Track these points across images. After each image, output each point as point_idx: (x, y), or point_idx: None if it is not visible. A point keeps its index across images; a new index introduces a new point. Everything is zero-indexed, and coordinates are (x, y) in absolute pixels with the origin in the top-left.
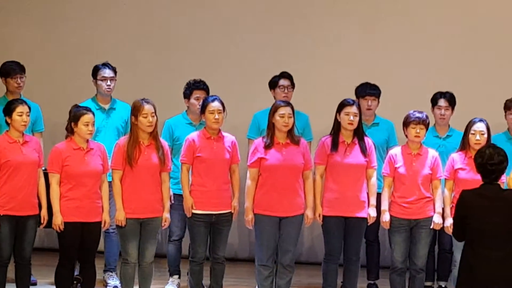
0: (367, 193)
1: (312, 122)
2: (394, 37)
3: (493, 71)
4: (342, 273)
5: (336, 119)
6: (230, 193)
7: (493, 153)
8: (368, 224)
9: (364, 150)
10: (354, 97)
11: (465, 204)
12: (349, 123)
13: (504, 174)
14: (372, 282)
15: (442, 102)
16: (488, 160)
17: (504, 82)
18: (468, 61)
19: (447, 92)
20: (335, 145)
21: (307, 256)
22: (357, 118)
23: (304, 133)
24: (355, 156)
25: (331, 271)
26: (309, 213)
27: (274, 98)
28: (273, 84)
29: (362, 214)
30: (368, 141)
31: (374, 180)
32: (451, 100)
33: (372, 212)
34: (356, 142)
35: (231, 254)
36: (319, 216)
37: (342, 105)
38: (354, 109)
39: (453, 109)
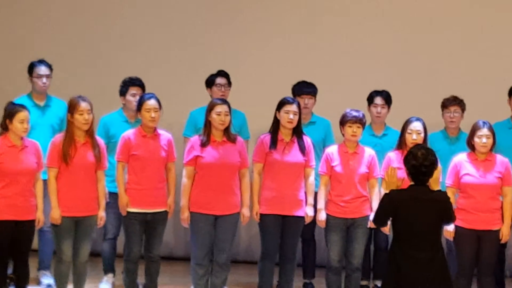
0: (305, 192)
1: (250, 120)
2: (330, 35)
3: (429, 70)
4: (278, 272)
5: (275, 117)
6: (165, 192)
7: (426, 155)
8: (306, 223)
9: (302, 149)
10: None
11: (393, 204)
12: (288, 122)
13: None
14: (308, 281)
15: (378, 100)
16: (423, 162)
17: (440, 81)
18: (405, 60)
19: (383, 91)
20: (274, 143)
21: (244, 255)
22: (297, 117)
23: (241, 131)
24: (294, 155)
25: (267, 270)
26: (245, 211)
27: (211, 96)
28: (210, 82)
29: (299, 213)
30: (307, 139)
31: (312, 179)
32: (387, 98)
33: (310, 211)
34: (295, 140)
35: (166, 253)
36: (256, 214)
37: (282, 104)
38: (294, 107)
39: (389, 107)
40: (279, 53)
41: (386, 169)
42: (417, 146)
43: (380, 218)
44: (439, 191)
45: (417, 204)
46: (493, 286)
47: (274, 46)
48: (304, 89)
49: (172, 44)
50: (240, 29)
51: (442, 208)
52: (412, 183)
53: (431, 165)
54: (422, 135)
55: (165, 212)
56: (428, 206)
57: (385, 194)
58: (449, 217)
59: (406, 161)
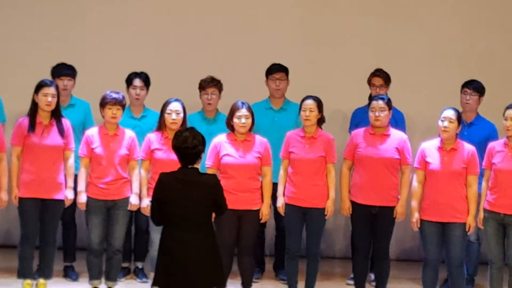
0: (65, 175)
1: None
2: (89, 20)
3: (187, 52)
4: (39, 255)
5: (33, 100)
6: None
7: (188, 137)
8: (65, 206)
9: (62, 132)
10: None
11: (163, 188)
12: (47, 104)
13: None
14: (68, 264)
15: (137, 82)
16: (183, 144)
17: (196, 63)
18: (161, 44)
19: (141, 73)
20: (32, 126)
21: (3, 239)
22: (55, 99)
23: None
24: (53, 138)
25: (28, 254)
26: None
27: None
28: None
29: (59, 196)
30: (66, 122)
31: (71, 161)
32: (146, 80)
33: (70, 194)
34: (54, 123)
35: None
36: (15, 198)
37: (40, 86)
38: (52, 90)
39: (147, 90)
40: (37, 36)
41: (147, 150)
42: (185, 128)
43: (154, 208)
44: (209, 174)
45: (184, 186)
46: (253, 266)
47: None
48: (63, 71)
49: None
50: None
51: (211, 192)
52: (181, 165)
53: (192, 147)
54: (181, 115)
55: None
56: (195, 188)
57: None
58: (219, 202)
59: (172, 143)
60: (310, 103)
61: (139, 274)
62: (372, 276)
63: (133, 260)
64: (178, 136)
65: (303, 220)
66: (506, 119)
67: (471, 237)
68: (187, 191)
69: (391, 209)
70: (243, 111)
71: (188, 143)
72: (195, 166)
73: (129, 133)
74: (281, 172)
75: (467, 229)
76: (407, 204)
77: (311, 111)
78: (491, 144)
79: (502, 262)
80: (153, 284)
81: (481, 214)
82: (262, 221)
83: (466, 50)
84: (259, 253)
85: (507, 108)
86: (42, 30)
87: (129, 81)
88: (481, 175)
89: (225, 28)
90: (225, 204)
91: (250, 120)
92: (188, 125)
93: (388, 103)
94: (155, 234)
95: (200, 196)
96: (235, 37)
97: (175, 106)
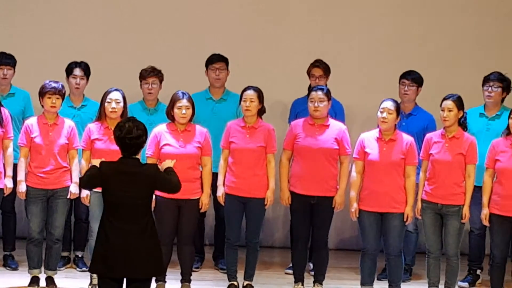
0: (3, 164)
1: None
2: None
3: (132, 43)
4: None
5: None
6: None
7: (132, 127)
8: (5, 195)
9: (0, 121)
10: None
11: (103, 178)
12: None
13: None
14: (8, 253)
15: (77, 72)
16: (127, 134)
17: (139, 54)
18: (109, 32)
19: (81, 62)
20: None
21: None
22: None
23: None
24: None
25: None
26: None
27: None
28: None
29: None
30: (5, 111)
31: (10, 150)
32: (86, 69)
33: (9, 183)
34: None
35: None
36: None
37: None
38: None
39: (87, 79)
40: None
41: (87, 140)
42: (127, 118)
43: (86, 188)
44: (150, 164)
45: (125, 176)
46: (193, 255)
47: None
48: (3, 59)
49: None
50: None
51: (150, 182)
52: (122, 155)
53: (137, 137)
54: (121, 104)
55: None
56: (136, 178)
57: (93, 165)
58: (163, 186)
59: (114, 134)
60: (250, 93)
61: (79, 263)
62: (311, 265)
63: (73, 249)
64: (121, 127)
65: (242, 209)
66: (443, 110)
67: (409, 227)
68: (128, 182)
69: (330, 199)
70: (184, 102)
71: (133, 134)
72: (137, 156)
73: (68, 123)
74: (221, 162)
75: (405, 219)
76: (346, 194)
77: (251, 101)
78: (428, 135)
79: (439, 251)
80: (89, 271)
81: (419, 204)
82: (201, 211)
83: (404, 41)
84: (199, 243)
85: (444, 99)
86: None
87: (69, 70)
88: (419, 166)
89: (164, 17)
90: (171, 183)
91: (190, 111)
92: (128, 114)
93: (328, 94)
94: (95, 223)
95: (140, 186)
96: (175, 27)
97: (115, 95)
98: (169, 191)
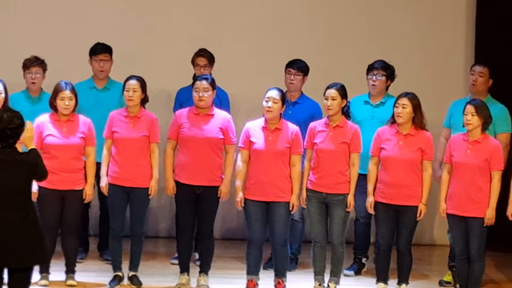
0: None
1: None
2: None
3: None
4: None
5: None
6: None
7: (11, 117)
8: None
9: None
10: None
11: None
12: None
13: None
14: None
15: None
16: (8, 125)
17: (20, 43)
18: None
19: None
20: None
21: None
22: None
23: None
24: None
25: None
26: None
27: None
28: None
29: None
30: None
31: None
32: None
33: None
34: None
35: None
36: None
37: None
38: None
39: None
40: None
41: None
42: (4, 109)
43: None
44: (30, 151)
45: (4, 166)
46: (77, 246)
47: None
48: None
49: None
50: None
51: (32, 170)
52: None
53: (16, 127)
54: (3, 95)
55: None
56: (15, 168)
57: None
58: (40, 173)
59: None
60: (133, 83)
61: None
62: (197, 255)
63: None
64: (1, 118)
65: (126, 199)
66: (326, 99)
67: (294, 216)
68: (9, 171)
69: (216, 188)
70: (67, 93)
71: (14, 123)
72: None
73: None
74: (105, 151)
75: (290, 208)
76: (232, 184)
77: (134, 91)
78: (312, 124)
79: (325, 240)
80: None
81: (304, 194)
82: (85, 201)
83: (290, 29)
84: (83, 233)
85: (328, 88)
86: None
87: None
88: (304, 155)
89: (47, 6)
90: (46, 171)
91: (73, 102)
92: (11, 104)
93: (212, 83)
94: None
95: (20, 174)
96: (58, 15)
97: None
98: (42, 179)
